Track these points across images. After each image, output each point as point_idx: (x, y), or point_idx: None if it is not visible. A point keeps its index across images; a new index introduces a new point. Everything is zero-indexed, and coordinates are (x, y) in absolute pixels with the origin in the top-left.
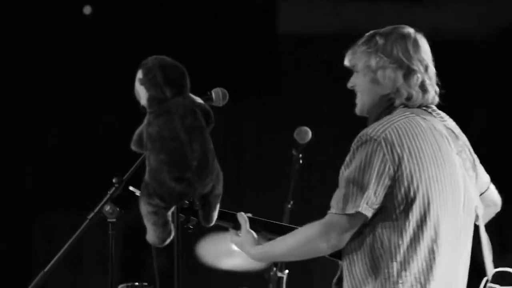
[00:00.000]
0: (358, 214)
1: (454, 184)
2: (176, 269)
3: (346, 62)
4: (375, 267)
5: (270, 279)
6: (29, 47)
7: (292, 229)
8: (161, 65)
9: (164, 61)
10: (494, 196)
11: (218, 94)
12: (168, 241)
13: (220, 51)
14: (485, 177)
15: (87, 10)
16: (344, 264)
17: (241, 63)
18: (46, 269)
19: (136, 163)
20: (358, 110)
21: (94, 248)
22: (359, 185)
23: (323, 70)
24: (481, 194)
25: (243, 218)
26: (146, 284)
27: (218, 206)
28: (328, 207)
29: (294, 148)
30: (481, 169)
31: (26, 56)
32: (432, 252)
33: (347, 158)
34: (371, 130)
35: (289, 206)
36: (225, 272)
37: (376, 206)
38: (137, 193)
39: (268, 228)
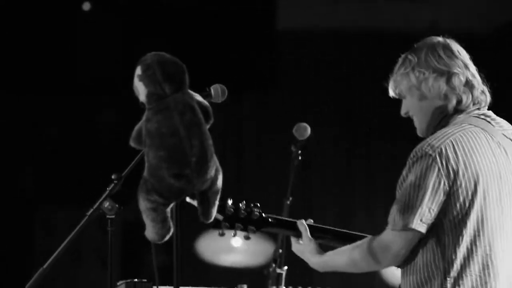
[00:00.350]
0: (413, 230)
1: (511, 198)
2: (175, 266)
3: (392, 93)
4: (429, 282)
5: (269, 275)
6: (29, 47)
7: (354, 237)
8: (160, 61)
9: (163, 57)
10: None
11: (217, 91)
12: (167, 237)
13: (220, 50)
14: None
15: (86, 6)
16: (401, 275)
17: (241, 61)
18: (45, 266)
19: (135, 159)
20: (419, 133)
21: (93, 244)
22: (414, 201)
23: (323, 68)
24: None
25: (303, 226)
26: (145, 280)
27: (217, 202)
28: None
29: (293, 145)
30: None
31: (26, 56)
32: (486, 268)
33: (403, 173)
34: (426, 144)
35: (288, 202)
36: (224, 268)
37: (430, 222)
38: (219, 217)
39: (332, 236)
